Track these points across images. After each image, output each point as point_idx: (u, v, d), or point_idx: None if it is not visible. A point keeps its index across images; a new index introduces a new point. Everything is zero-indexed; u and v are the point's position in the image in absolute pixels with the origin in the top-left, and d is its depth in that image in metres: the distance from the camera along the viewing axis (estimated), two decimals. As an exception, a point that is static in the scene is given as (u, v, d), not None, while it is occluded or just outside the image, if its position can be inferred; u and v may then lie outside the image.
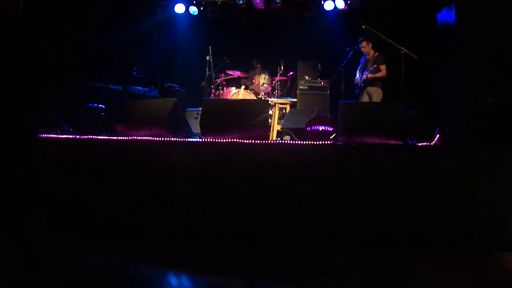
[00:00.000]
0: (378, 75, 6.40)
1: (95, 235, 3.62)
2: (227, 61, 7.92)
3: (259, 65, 8.18)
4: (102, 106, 6.24)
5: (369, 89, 6.49)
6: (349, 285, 2.76)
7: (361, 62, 6.76)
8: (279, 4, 8.14)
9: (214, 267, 3.04)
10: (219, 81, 7.81)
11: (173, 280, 2.93)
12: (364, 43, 6.57)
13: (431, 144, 3.79)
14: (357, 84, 6.69)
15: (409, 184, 3.38)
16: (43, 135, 4.11)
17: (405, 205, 3.37)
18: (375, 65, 6.32)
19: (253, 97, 7.41)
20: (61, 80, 6.14)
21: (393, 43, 5.52)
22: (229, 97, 7.36)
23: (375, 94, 6.45)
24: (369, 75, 6.39)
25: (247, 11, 8.41)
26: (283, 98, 7.56)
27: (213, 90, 7.73)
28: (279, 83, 7.77)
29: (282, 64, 7.82)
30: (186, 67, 8.49)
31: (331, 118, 5.16)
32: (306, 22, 8.40)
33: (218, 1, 8.31)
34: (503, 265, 3.13)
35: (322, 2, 7.99)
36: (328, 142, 3.77)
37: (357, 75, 6.74)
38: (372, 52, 6.61)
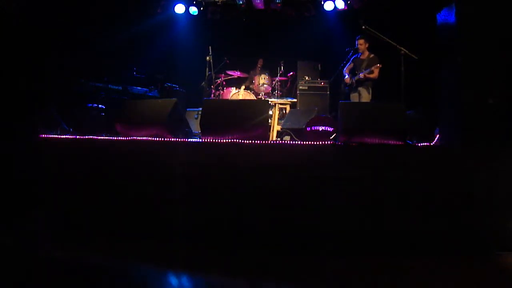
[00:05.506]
0: (371, 76, 6.52)
1: (96, 235, 3.62)
2: (227, 61, 7.93)
3: (259, 65, 8.19)
4: (102, 106, 6.25)
5: (360, 88, 6.63)
6: (349, 285, 2.76)
7: (350, 60, 6.85)
8: (279, 4, 8.15)
9: (214, 267, 3.04)
10: (219, 81, 7.81)
11: (173, 280, 2.93)
12: (362, 41, 6.67)
13: (431, 144, 3.79)
14: (347, 83, 6.74)
15: (409, 184, 3.38)
16: (43, 135, 4.11)
17: (405, 205, 3.37)
18: (372, 68, 6.44)
19: (253, 97, 7.41)
20: (61, 80, 6.14)
21: (393, 43, 5.52)
22: (229, 98, 7.36)
23: (365, 93, 6.61)
24: (366, 75, 6.46)
25: (247, 11, 8.41)
26: (283, 98, 7.56)
27: (213, 90, 7.73)
28: (279, 83, 7.77)
29: (282, 64, 7.83)
30: (186, 67, 8.50)
31: (331, 118, 5.16)
32: (306, 22, 8.41)
33: (218, 2, 8.31)
34: (503, 265, 3.13)
35: (322, 2, 7.99)
36: (328, 142, 3.77)
37: (346, 74, 6.80)
38: (367, 53, 6.71)
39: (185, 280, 2.90)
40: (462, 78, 3.50)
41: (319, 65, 8.15)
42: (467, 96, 3.45)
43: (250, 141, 3.64)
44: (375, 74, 6.48)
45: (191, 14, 8.39)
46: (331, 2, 7.92)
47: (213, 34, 8.48)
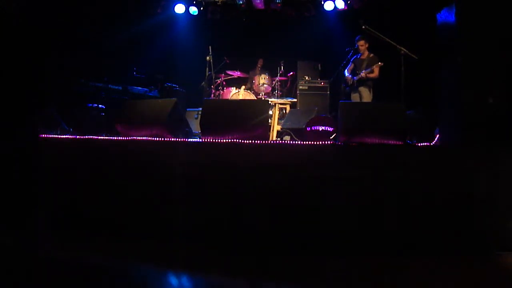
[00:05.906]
0: (372, 75, 6.56)
1: (96, 235, 3.62)
2: (227, 61, 7.93)
3: (259, 65, 8.19)
4: (102, 106, 6.26)
5: (361, 88, 6.64)
6: (349, 286, 2.76)
7: (351, 61, 6.86)
8: (279, 4, 8.15)
9: (214, 267, 3.04)
10: (219, 81, 7.82)
11: (173, 280, 2.93)
12: (362, 42, 6.69)
13: (431, 144, 3.79)
14: (348, 83, 6.75)
15: (409, 184, 3.38)
16: (43, 135, 4.11)
17: (405, 205, 3.37)
18: (372, 67, 6.47)
19: (253, 97, 7.41)
20: (61, 80, 6.14)
21: (393, 43, 5.52)
22: (229, 97, 7.36)
23: (366, 93, 6.64)
24: (367, 74, 6.47)
25: (247, 11, 8.41)
26: (283, 98, 7.57)
27: (213, 90, 7.74)
28: (279, 83, 7.77)
29: (282, 64, 7.84)
30: (186, 67, 8.50)
31: (331, 118, 5.16)
32: (306, 22, 8.41)
33: (218, 1, 8.32)
34: (503, 265, 3.13)
35: (322, 2, 8.00)
36: (328, 142, 3.77)
37: (346, 74, 6.81)
38: (367, 53, 6.73)
39: (185, 280, 2.90)
40: (462, 78, 3.50)
41: (319, 65, 8.16)
42: (467, 96, 3.45)
43: (250, 141, 3.64)
44: (375, 73, 6.50)
45: (191, 14, 8.40)
46: (331, 2, 7.92)
47: (213, 34, 8.48)
